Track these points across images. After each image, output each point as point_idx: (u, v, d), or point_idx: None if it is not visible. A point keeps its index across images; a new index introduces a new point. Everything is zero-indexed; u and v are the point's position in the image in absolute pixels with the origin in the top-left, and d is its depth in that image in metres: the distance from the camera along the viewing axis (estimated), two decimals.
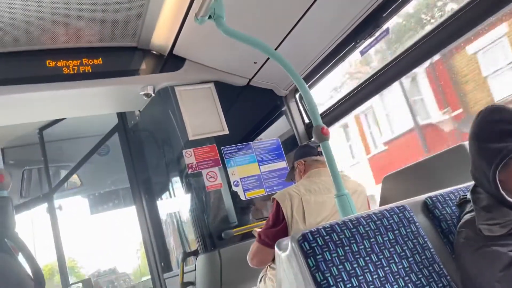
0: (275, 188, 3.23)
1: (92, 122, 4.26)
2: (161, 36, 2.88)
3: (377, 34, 2.54)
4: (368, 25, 2.49)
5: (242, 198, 3.11)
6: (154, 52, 3.09)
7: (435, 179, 2.13)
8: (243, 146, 3.31)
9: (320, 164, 2.31)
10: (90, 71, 2.90)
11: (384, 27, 2.47)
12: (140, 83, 3.03)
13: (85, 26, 2.69)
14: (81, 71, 2.88)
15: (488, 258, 1.22)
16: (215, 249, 2.87)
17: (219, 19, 1.88)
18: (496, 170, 1.27)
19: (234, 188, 3.12)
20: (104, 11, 2.54)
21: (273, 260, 2.19)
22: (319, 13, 2.44)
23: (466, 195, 1.45)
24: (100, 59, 2.93)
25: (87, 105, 3.27)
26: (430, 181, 2.15)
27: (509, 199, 1.29)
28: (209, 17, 1.87)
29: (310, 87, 3.24)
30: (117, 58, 2.99)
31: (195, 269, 2.94)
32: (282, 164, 3.39)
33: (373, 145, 10.19)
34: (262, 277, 2.32)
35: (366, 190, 2.34)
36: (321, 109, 3.28)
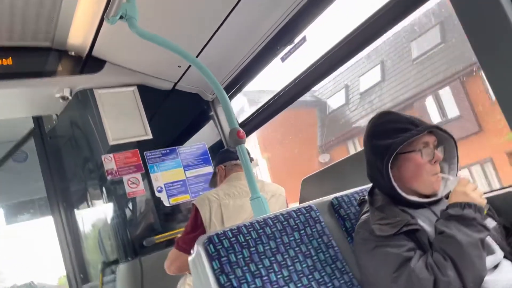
0: (200, 193, 3.19)
1: (6, 127, 3.97)
2: (78, 36, 2.75)
3: (296, 41, 2.62)
4: (287, 32, 2.56)
5: (166, 204, 3.04)
6: (71, 53, 2.94)
7: (347, 180, 2.22)
8: (168, 151, 3.25)
9: (239, 168, 2.33)
10: None
11: (302, 34, 2.56)
12: (55, 85, 2.88)
13: None
14: None
15: (382, 258, 1.28)
16: (136, 258, 2.78)
17: (131, 20, 1.84)
18: (389, 163, 1.37)
19: (157, 194, 3.04)
20: (11, 7, 2.37)
21: None
22: (239, 20, 2.47)
23: (366, 196, 1.53)
24: (10, 58, 2.74)
25: None
26: (344, 182, 2.24)
27: (400, 191, 1.38)
28: (121, 17, 1.82)
29: (235, 92, 3.27)
30: (30, 59, 2.81)
31: (115, 279, 2.82)
32: (209, 169, 3.37)
33: None
34: (181, 284, 2.29)
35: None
36: (243, 116, 3.33)
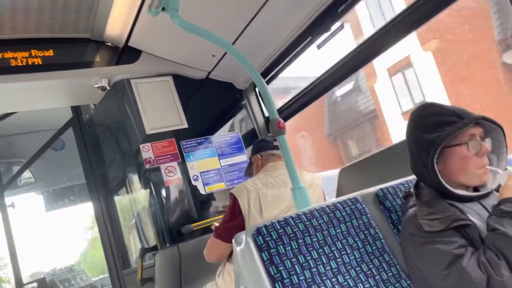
0: (235, 182, 3.22)
1: (45, 116, 4.10)
2: (116, 27, 2.79)
3: (333, 28, 2.57)
4: (324, 19, 2.51)
5: (202, 192, 3.09)
6: (109, 44, 2.99)
7: (389, 171, 2.19)
8: (203, 140, 3.28)
9: (276, 158, 2.33)
10: (40, 63, 2.77)
11: (339, 22, 2.51)
12: (94, 75, 2.93)
13: (33, 16, 2.56)
14: (30, 63, 2.74)
15: (432, 255, 1.25)
16: (174, 245, 2.84)
17: (173, 11, 1.84)
18: (434, 158, 1.34)
19: (193, 183, 3.08)
20: (53, 0, 2.43)
21: (231, 254, 2.20)
22: (276, 8, 2.44)
23: (411, 189, 1.50)
24: (51, 50, 2.81)
25: (39, 98, 3.14)
26: (385, 173, 2.21)
27: (447, 186, 1.35)
28: (163, 9, 1.83)
29: (269, 80, 3.24)
30: (69, 50, 2.87)
31: (154, 265, 2.90)
32: (243, 157, 3.39)
33: None
34: (220, 271, 2.32)
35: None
36: (279, 103, 3.30)
